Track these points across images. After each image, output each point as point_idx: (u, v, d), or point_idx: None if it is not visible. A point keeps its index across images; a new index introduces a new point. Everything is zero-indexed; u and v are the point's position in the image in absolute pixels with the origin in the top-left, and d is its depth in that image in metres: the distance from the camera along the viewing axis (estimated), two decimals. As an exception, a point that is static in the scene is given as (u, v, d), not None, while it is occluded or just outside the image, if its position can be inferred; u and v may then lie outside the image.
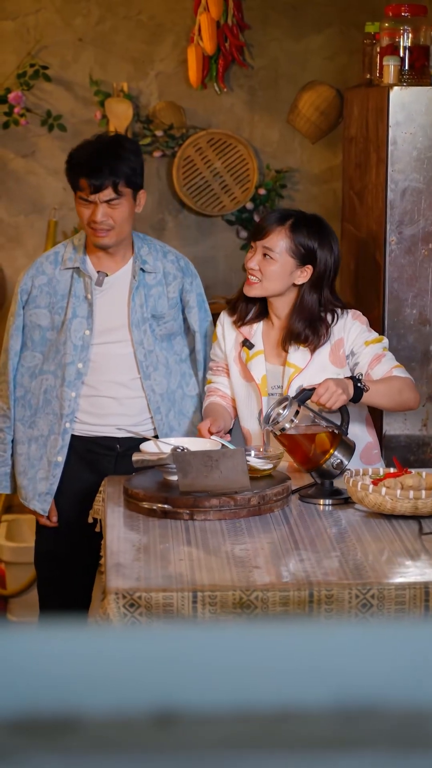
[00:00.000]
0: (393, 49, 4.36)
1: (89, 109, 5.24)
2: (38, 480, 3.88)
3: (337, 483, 3.46)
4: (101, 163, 3.67)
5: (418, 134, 4.14)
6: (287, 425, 3.40)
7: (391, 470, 3.38)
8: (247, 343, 3.74)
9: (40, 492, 3.88)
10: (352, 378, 3.50)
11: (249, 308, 3.75)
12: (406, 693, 0.91)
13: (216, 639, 0.94)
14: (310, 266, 3.63)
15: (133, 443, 3.69)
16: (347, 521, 3.28)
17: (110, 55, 5.23)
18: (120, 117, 5.18)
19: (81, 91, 5.24)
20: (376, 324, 4.24)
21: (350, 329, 3.65)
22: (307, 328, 3.63)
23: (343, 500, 3.40)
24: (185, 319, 3.96)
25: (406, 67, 4.32)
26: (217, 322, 3.84)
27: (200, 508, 3.25)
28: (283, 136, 5.32)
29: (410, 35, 4.35)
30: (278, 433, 3.43)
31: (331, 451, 3.43)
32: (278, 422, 3.40)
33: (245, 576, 2.88)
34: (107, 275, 3.82)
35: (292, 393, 3.61)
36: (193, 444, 3.53)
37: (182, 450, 3.43)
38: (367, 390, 3.48)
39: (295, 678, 0.91)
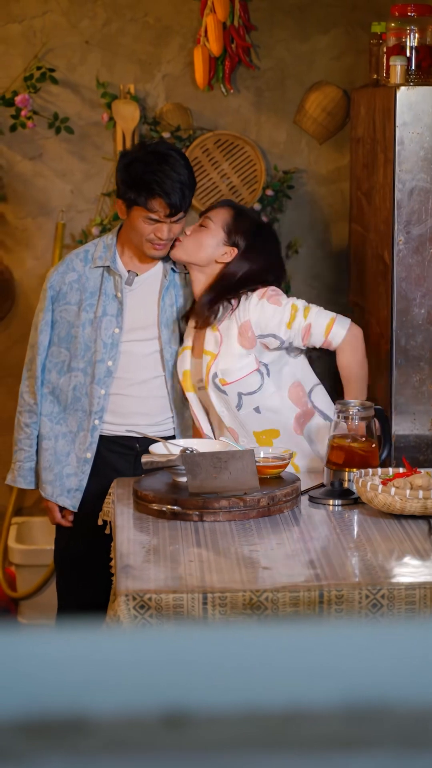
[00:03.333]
0: (399, 49, 4.36)
1: (96, 111, 5.24)
2: (65, 476, 3.93)
3: (347, 483, 3.47)
4: (183, 191, 3.72)
5: (425, 134, 4.13)
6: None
7: (401, 470, 3.38)
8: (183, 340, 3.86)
9: (69, 488, 3.93)
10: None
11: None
12: (417, 693, 0.91)
13: (226, 640, 0.93)
14: (235, 249, 3.73)
15: (152, 443, 3.72)
16: (357, 522, 3.28)
17: (117, 57, 5.23)
18: (127, 119, 5.19)
19: (88, 93, 5.24)
20: (385, 324, 4.24)
21: (254, 310, 3.69)
22: (210, 304, 3.73)
23: (353, 501, 3.40)
24: None
25: (413, 67, 4.32)
26: None
27: (209, 509, 3.25)
28: (290, 137, 5.31)
29: (417, 35, 4.35)
30: None
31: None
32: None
33: (255, 577, 2.88)
34: (137, 275, 3.87)
35: (211, 383, 3.71)
36: (202, 445, 3.54)
37: (191, 451, 3.43)
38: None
39: (306, 678, 0.91)
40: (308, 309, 3.68)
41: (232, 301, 3.71)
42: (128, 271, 3.88)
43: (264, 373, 3.69)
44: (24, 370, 4.00)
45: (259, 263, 3.74)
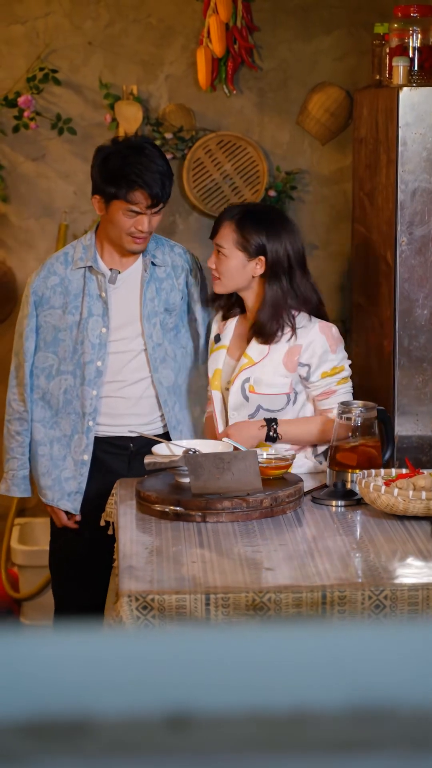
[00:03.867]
0: (402, 50, 4.36)
1: (99, 112, 5.24)
2: (64, 480, 3.91)
3: (350, 484, 3.47)
4: (163, 181, 3.73)
5: (427, 135, 4.13)
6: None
7: (404, 471, 3.38)
8: (217, 337, 3.82)
9: (69, 491, 3.92)
10: (268, 421, 3.63)
11: (224, 300, 3.84)
12: (421, 694, 0.91)
13: (229, 641, 0.93)
14: (262, 257, 3.68)
15: (146, 443, 3.71)
16: (360, 522, 3.28)
17: (120, 58, 5.23)
18: (130, 120, 5.19)
19: (91, 94, 5.24)
20: (388, 325, 4.24)
21: (311, 341, 3.67)
22: (272, 320, 3.67)
23: (356, 501, 3.40)
24: (189, 311, 4.01)
25: (416, 68, 4.32)
26: None
27: (212, 510, 3.25)
28: (292, 138, 5.31)
29: (419, 36, 4.35)
30: None
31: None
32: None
33: (258, 578, 2.88)
34: (120, 272, 3.86)
35: (238, 384, 3.69)
36: (205, 446, 3.54)
37: (194, 452, 3.43)
38: (279, 438, 3.63)
39: (309, 680, 0.91)
40: (345, 381, 3.72)
41: (293, 317, 3.68)
42: (110, 270, 3.87)
43: (292, 401, 3.69)
44: (10, 378, 3.97)
45: (285, 253, 3.69)
